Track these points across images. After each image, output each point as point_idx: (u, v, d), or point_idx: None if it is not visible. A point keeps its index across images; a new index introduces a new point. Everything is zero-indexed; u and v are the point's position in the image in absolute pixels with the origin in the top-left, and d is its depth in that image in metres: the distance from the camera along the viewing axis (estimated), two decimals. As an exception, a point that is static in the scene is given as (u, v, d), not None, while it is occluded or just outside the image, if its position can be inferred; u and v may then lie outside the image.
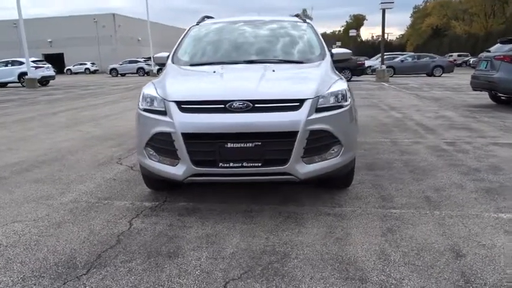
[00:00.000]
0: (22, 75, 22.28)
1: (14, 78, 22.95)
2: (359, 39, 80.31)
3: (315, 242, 2.66)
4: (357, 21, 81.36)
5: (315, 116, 2.87)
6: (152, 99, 3.07)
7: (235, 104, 2.83)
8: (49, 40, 52.45)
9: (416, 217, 3.02)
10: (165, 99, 2.97)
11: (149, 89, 3.20)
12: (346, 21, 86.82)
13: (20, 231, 2.94)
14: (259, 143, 2.81)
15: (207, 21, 4.65)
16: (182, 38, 4.33)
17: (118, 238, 2.79)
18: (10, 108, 11.64)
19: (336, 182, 3.56)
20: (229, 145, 2.82)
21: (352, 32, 51.02)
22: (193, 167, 2.87)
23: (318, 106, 2.92)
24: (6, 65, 23.44)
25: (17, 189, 3.93)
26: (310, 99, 2.89)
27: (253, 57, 3.84)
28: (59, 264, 2.45)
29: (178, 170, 2.94)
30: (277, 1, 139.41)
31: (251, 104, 2.84)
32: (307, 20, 4.58)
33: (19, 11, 20.73)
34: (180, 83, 3.26)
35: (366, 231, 2.79)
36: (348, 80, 20.19)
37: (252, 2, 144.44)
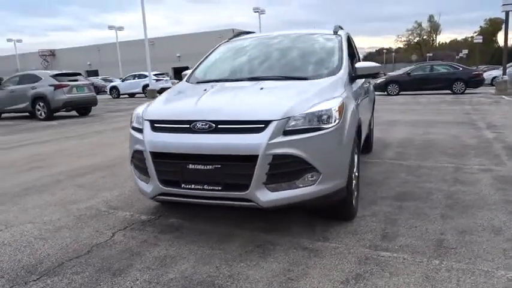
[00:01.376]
0: (145, 86, 25.19)
1: (139, 89, 26.10)
2: (496, 45, 71.08)
3: (262, 279, 2.41)
4: (494, 26, 72.10)
5: (281, 139, 2.61)
6: (138, 117, 3.16)
7: (199, 125, 2.75)
8: (178, 55, 58.27)
9: (404, 265, 2.52)
10: (143, 117, 3.04)
11: (140, 107, 3.31)
12: (481, 26, 77.68)
13: (25, 232, 3.29)
14: (219, 166, 2.67)
15: (241, 37, 4.62)
16: (207, 55, 4.39)
17: (91, 248, 2.93)
18: (122, 117, 13.22)
19: (333, 214, 3.19)
20: (191, 166, 2.74)
21: (477, 39, 45.51)
22: (160, 186, 2.86)
23: (287, 128, 2.65)
24: (134, 78, 26.78)
25: (59, 193, 4.42)
26: (276, 121, 2.64)
27: (258, 74, 3.68)
28: (25, 267, 2.67)
29: (148, 188, 2.97)
30: (403, 8, 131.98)
31: (213, 125, 2.72)
32: (339, 32, 4.23)
33: (145, 31, 23.49)
34: (164, 101, 3.29)
35: (328, 275, 2.42)
36: (461, 93, 18.09)
37: (378, 11, 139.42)
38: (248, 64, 4.00)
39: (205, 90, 3.30)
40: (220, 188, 2.69)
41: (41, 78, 13.59)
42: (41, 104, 13.31)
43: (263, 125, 2.63)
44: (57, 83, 13.29)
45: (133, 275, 2.50)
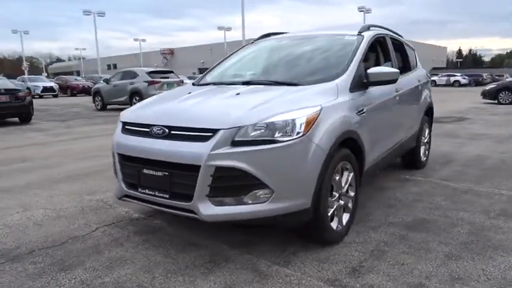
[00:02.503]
0: None
1: None
2: None
3: (185, 298, 2.25)
4: None
5: (226, 150, 2.40)
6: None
7: (155, 129, 2.68)
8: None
9: (349, 309, 2.12)
10: (119, 118, 3.08)
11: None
12: None
13: (32, 217, 3.60)
14: (167, 174, 2.57)
15: (265, 38, 4.42)
16: (226, 57, 4.30)
17: (66, 240, 3.08)
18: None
19: (305, 237, 2.87)
20: (145, 171, 2.69)
21: None
22: (124, 187, 2.87)
23: (236, 139, 2.42)
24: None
25: (89, 182, 4.77)
26: (223, 130, 2.43)
27: (253, 78, 3.47)
28: (2, 250, 2.92)
29: (117, 189, 3.00)
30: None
31: (167, 130, 2.62)
32: (364, 33, 3.76)
33: (243, 32, 24.27)
34: (146, 102, 3.27)
35: (254, 305, 2.16)
36: (510, 103, 15.16)
37: (502, 7, 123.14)
38: (249, 67, 3.83)
39: (189, 93, 3.22)
40: (167, 196, 2.59)
41: (138, 75, 14.94)
42: (137, 98, 14.59)
43: (210, 134, 2.45)
44: (150, 79, 14.48)
45: (75, 274, 2.55)
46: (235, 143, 2.41)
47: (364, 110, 3.17)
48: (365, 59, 3.74)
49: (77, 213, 3.67)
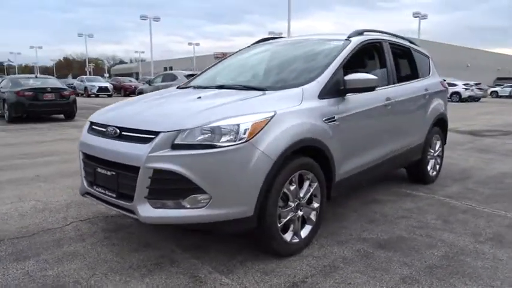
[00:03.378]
0: (453, 94, 28.10)
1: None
2: None
3: (110, 298, 2.26)
4: None
5: (165, 153, 2.38)
6: None
7: (109, 129, 2.73)
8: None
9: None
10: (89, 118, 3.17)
11: None
12: None
13: (22, 208, 3.81)
14: (114, 173, 2.61)
15: (261, 43, 4.37)
16: (218, 61, 4.30)
17: (38, 232, 3.22)
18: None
19: (255, 244, 2.78)
20: (99, 170, 2.74)
21: None
22: (85, 185, 2.94)
23: (176, 142, 2.40)
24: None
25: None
26: (164, 133, 2.42)
27: (227, 83, 3.43)
28: (-24, 237, 3.11)
29: (80, 186, 3.08)
30: None
31: (118, 131, 2.66)
32: (353, 38, 3.59)
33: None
34: (118, 104, 3.33)
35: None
36: None
37: None
38: (233, 72, 3.81)
39: (160, 96, 3.26)
40: (115, 196, 2.63)
41: (177, 78, 15.42)
42: (175, 100, 15.05)
43: (153, 136, 2.45)
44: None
45: (25, 265, 2.66)
46: (175, 146, 2.39)
47: (336, 118, 3.02)
48: (351, 65, 3.59)
49: (62, 207, 3.83)
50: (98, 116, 3.05)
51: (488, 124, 12.32)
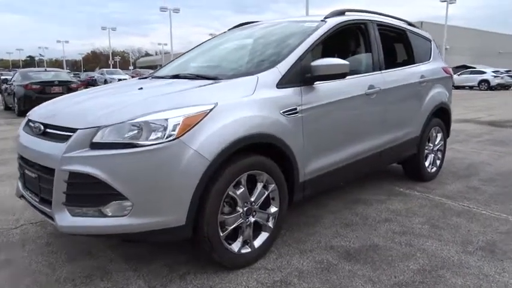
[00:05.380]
0: (481, 82, 28.18)
1: (475, 83, 28.62)
2: None
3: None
4: None
5: (82, 153, 2.07)
6: None
7: (35, 126, 2.44)
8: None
9: None
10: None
11: None
12: None
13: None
14: (36, 175, 2.33)
15: (238, 28, 4.00)
16: (193, 48, 3.96)
17: (-17, 235, 3.01)
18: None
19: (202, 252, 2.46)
20: (26, 171, 2.47)
21: None
22: (20, 187, 2.69)
23: (95, 141, 2.08)
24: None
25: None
26: (81, 130, 2.11)
27: (184, 72, 3.10)
28: None
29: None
30: None
31: (42, 128, 2.37)
32: (329, 19, 3.17)
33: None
34: (59, 98, 3.04)
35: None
36: None
37: None
38: (196, 59, 3.46)
39: (107, 88, 2.96)
40: (37, 200, 2.35)
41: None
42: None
43: (71, 133, 2.15)
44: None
45: None
46: (94, 146, 2.09)
47: (298, 110, 2.64)
48: (327, 50, 3.20)
49: (20, 209, 3.61)
50: (33, 111, 2.78)
51: (513, 114, 11.51)
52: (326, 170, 2.96)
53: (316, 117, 2.77)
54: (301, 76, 2.71)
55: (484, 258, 2.59)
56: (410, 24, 4.31)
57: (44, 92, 11.64)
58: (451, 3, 36.13)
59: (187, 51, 3.91)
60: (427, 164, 4.30)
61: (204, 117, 2.17)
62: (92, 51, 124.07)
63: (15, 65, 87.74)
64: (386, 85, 3.45)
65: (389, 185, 4.22)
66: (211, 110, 2.21)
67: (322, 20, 3.17)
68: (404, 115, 3.82)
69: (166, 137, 2.07)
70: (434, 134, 4.36)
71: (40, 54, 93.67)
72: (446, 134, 4.62)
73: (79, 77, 35.43)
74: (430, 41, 4.54)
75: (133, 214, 2.07)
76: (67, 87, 12.09)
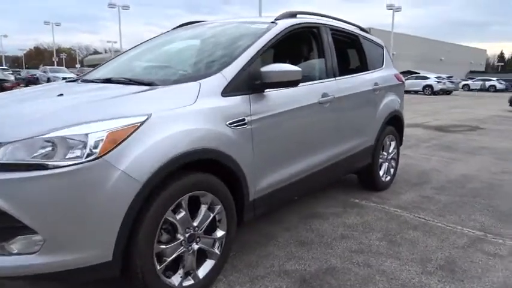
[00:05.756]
0: (426, 87, 29.31)
1: (419, 88, 29.66)
2: None
3: None
4: None
5: None
6: None
7: None
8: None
9: None
10: None
11: None
12: None
13: None
14: None
15: (182, 27, 3.66)
16: (133, 47, 3.57)
17: None
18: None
19: None
20: None
21: None
22: None
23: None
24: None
25: None
26: None
27: (117, 75, 2.73)
28: None
29: None
30: None
31: None
32: (280, 21, 2.93)
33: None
34: None
35: None
36: None
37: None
38: (133, 60, 3.11)
39: (25, 92, 2.53)
40: None
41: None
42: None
43: None
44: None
45: None
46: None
47: (247, 121, 2.36)
48: (277, 54, 2.96)
49: None
50: None
51: (457, 119, 12.00)
52: (279, 186, 2.71)
53: (267, 129, 2.51)
54: (250, 83, 2.44)
55: (445, 278, 2.44)
56: (362, 29, 4.20)
57: (-27, 92, 10.58)
58: (396, 11, 37.69)
59: (125, 51, 3.51)
60: (381, 173, 4.19)
61: (134, 131, 1.83)
62: (34, 47, 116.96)
63: None
64: (340, 93, 3.27)
65: (344, 195, 4.06)
66: (143, 122, 1.88)
67: (272, 22, 2.92)
68: (359, 124, 3.67)
69: (86, 156, 1.71)
70: (388, 143, 4.27)
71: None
72: (399, 142, 4.54)
73: (19, 75, 33.18)
74: (382, 47, 4.45)
75: (45, 251, 1.69)
76: (1, 87, 11.09)
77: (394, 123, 4.30)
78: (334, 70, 3.31)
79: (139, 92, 2.14)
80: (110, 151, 1.75)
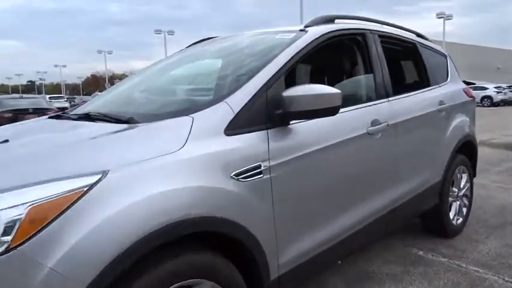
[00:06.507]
0: (484, 98, 26.93)
1: (478, 100, 27.15)
2: None
3: None
4: None
5: None
6: None
7: None
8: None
9: None
10: None
11: None
12: None
13: None
14: None
15: (196, 44, 3.04)
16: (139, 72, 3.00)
17: None
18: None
19: None
20: None
21: None
22: None
23: None
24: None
25: None
26: None
27: (96, 109, 2.13)
28: None
29: None
30: None
31: None
32: (310, 29, 2.21)
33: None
34: None
35: None
36: None
37: None
38: (129, 89, 2.50)
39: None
40: None
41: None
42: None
43: None
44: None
45: None
46: None
47: (264, 168, 1.65)
48: (307, 72, 2.25)
49: None
50: None
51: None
52: (314, 253, 1.95)
53: (294, 177, 1.79)
54: (269, 113, 1.74)
55: None
56: (420, 35, 3.37)
57: (17, 120, 10.70)
58: (447, 19, 35.65)
59: (127, 78, 2.94)
60: (451, 215, 3.29)
61: (76, 201, 1.18)
62: (91, 75, 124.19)
63: (15, 90, 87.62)
64: (395, 118, 2.48)
65: (403, 244, 3.20)
66: (92, 185, 1.22)
67: (301, 30, 2.21)
68: (422, 157, 2.84)
69: (-7, 245, 1.07)
70: (458, 176, 3.37)
71: (40, 79, 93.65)
72: (472, 173, 3.62)
73: (73, 101, 34.68)
74: (445, 56, 3.60)
75: None
76: (43, 115, 11.16)
77: (466, 150, 3.40)
78: (386, 88, 2.53)
79: (104, 135, 1.50)
80: (31, 237, 1.10)
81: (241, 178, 1.56)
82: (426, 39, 3.40)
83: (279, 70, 1.85)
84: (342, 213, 2.11)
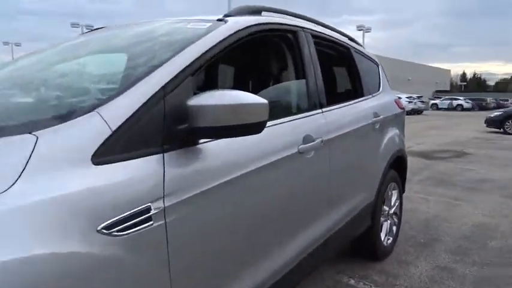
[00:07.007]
0: None
1: None
2: None
3: None
4: None
5: None
6: None
7: None
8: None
9: None
10: None
11: None
12: None
13: None
14: None
15: (95, 31, 2.40)
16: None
17: None
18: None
19: None
20: None
21: None
22: None
23: None
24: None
25: None
26: None
27: None
28: None
29: None
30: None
31: None
32: (230, 18, 1.73)
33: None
34: None
35: None
36: None
37: (507, 32, 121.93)
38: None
39: None
40: None
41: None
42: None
43: None
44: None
45: None
46: None
47: (155, 211, 1.12)
48: (224, 74, 1.75)
49: None
50: None
51: (438, 142, 11.19)
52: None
53: (202, 218, 1.28)
54: (166, 129, 1.22)
55: None
56: (352, 40, 3.07)
57: None
58: (366, 32, 37.76)
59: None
60: (382, 236, 3.03)
61: None
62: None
63: None
64: (330, 133, 2.09)
65: (332, 270, 2.86)
66: None
67: (219, 20, 1.72)
68: (357, 176, 2.51)
69: None
70: (390, 193, 3.12)
71: None
72: (402, 189, 3.41)
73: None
74: (377, 65, 3.36)
75: None
76: None
77: (398, 165, 3.17)
78: (320, 97, 2.14)
79: None
80: None
81: (115, 231, 1.02)
82: (360, 44, 3.11)
83: (183, 70, 1.33)
84: (268, 256, 1.65)
